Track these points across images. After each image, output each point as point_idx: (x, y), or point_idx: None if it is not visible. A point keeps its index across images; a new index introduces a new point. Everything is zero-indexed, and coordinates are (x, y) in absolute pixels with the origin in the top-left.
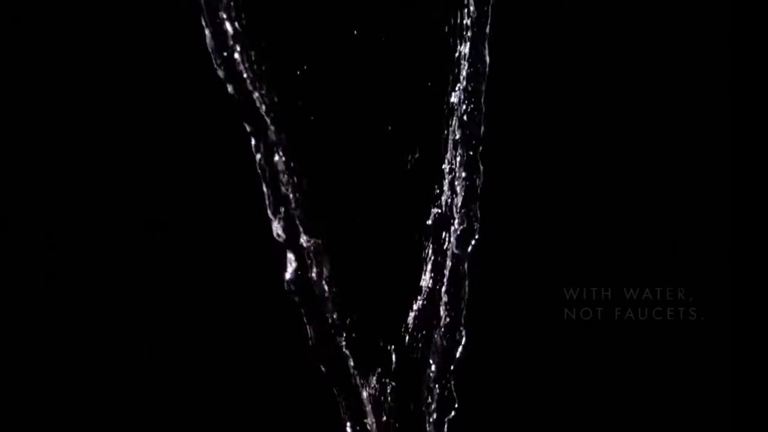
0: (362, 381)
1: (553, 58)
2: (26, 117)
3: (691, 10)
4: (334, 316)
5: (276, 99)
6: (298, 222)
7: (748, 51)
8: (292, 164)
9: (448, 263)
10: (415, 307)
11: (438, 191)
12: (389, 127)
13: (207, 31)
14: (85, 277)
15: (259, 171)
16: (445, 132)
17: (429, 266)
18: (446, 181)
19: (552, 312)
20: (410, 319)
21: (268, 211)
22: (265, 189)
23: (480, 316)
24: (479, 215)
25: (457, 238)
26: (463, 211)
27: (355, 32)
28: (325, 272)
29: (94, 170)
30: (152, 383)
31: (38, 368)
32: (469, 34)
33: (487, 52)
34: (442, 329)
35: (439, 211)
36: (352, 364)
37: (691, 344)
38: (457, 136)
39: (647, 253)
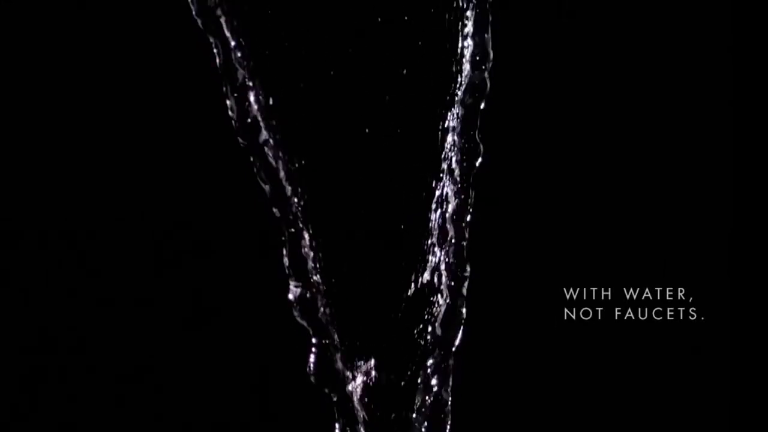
0: None
1: (551, 63)
2: (35, 118)
3: (691, 12)
4: (360, 408)
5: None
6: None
7: (748, 53)
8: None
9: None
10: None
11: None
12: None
13: (229, 104)
14: (85, 277)
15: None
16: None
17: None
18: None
19: (552, 312)
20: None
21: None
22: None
23: (480, 316)
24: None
25: (442, 327)
26: (447, 291)
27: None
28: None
29: (95, 171)
30: (151, 384)
31: (36, 366)
32: (465, 67)
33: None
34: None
35: (422, 281)
36: None
37: (691, 344)
38: (455, 156)
39: (647, 253)
